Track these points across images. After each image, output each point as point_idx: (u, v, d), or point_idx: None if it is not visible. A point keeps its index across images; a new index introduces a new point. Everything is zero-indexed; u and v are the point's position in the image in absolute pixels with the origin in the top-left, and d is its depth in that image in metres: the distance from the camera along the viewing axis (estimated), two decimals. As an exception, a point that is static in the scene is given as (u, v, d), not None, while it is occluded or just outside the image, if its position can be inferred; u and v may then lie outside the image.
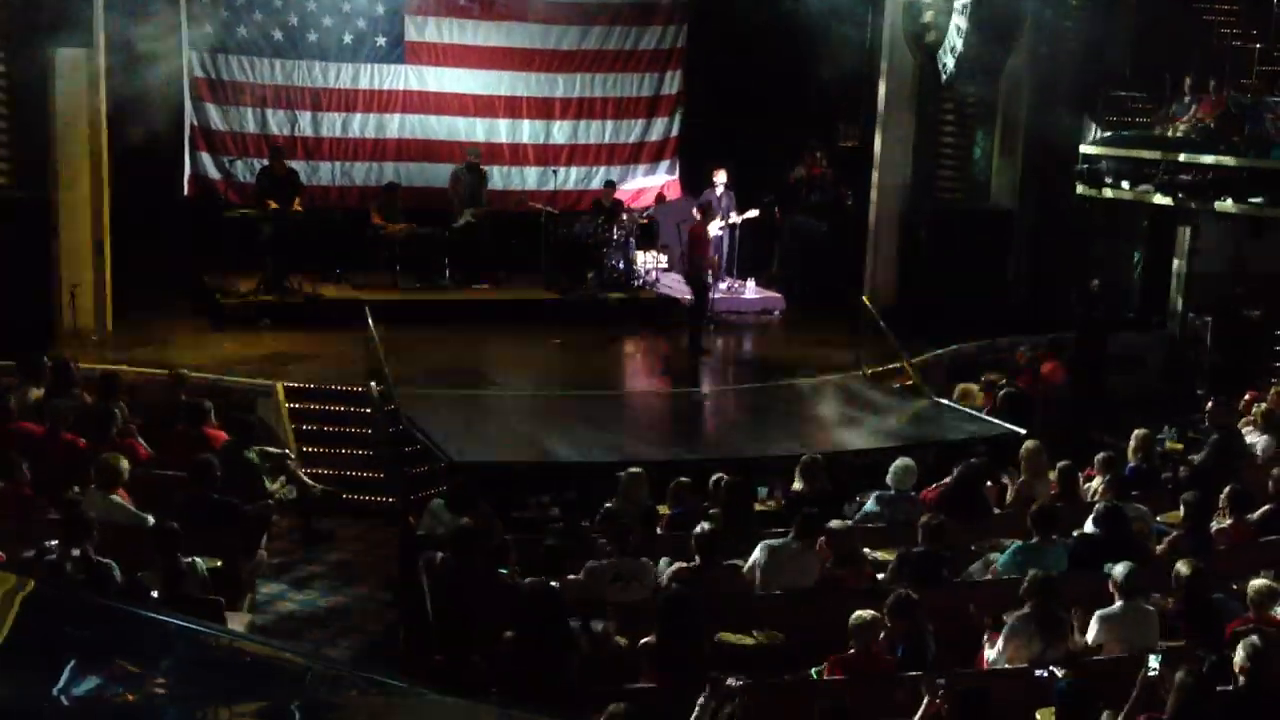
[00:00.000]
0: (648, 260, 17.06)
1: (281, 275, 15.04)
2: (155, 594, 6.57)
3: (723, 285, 16.77)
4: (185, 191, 16.10)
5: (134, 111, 13.93)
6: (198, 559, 7.44)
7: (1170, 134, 15.97)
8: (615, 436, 11.33)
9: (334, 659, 8.22)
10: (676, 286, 16.99)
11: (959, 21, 15.62)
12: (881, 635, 6.67)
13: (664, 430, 11.63)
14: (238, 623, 7.63)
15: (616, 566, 7.50)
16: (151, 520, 7.90)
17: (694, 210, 16.93)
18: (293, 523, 10.46)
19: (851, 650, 6.52)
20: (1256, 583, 7.19)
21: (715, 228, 16.71)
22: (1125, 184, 16.06)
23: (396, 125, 17.17)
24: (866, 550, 8.22)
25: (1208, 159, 15.05)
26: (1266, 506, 8.95)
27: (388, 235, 15.77)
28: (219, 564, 7.86)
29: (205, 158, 16.21)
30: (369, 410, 11.73)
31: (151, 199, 15.21)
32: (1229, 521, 8.78)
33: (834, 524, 8.02)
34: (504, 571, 7.42)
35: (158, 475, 9.35)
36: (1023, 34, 16.21)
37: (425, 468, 10.95)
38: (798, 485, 9.35)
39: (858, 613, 6.58)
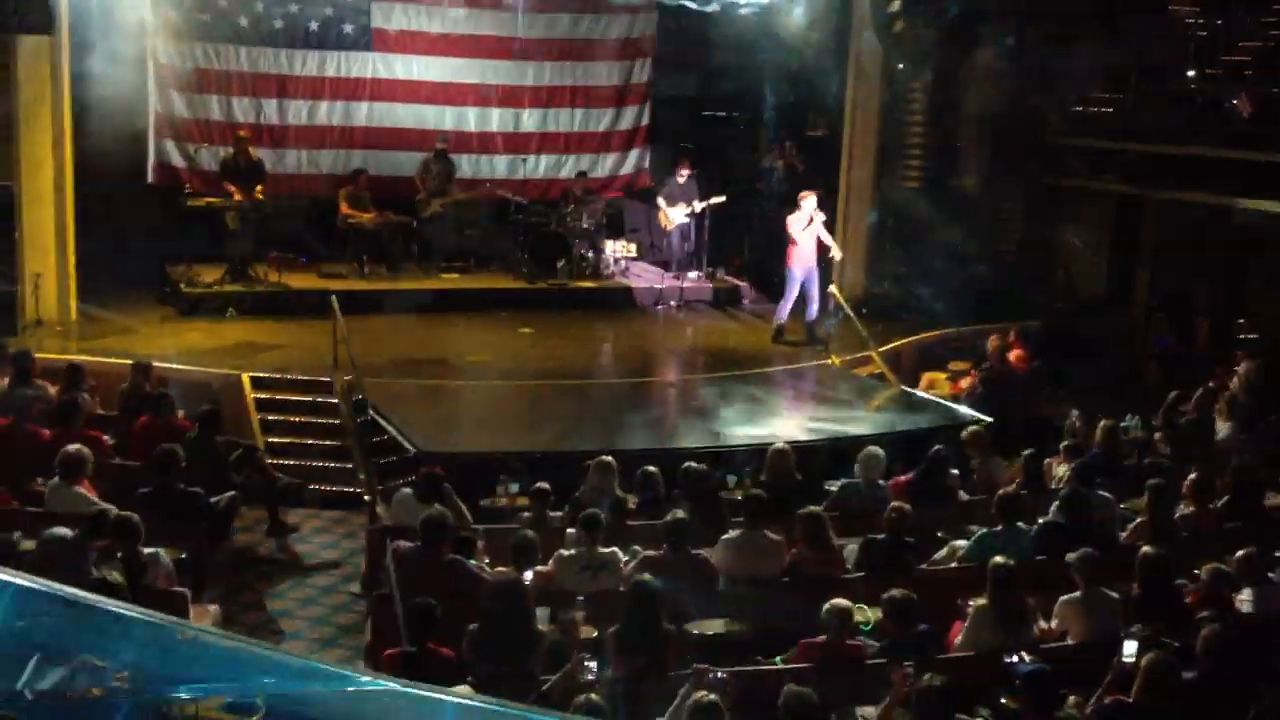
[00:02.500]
0: (617, 249, 17.05)
1: (247, 264, 14.96)
2: (120, 586, 6.51)
3: (691, 274, 16.80)
4: (150, 180, 15.96)
5: (98, 99, 13.79)
6: (161, 551, 7.39)
7: (1135, 123, 16.10)
8: (584, 425, 11.33)
9: (301, 651, 8.24)
10: (645, 275, 17.02)
11: (925, 11, 15.68)
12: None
13: (633, 419, 11.62)
14: (203, 615, 7.58)
15: (585, 556, 7.50)
16: (115, 512, 7.84)
17: (657, 199, 17.01)
18: (259, 513, 10.41)
19: (823, 637, 6.54)
20: (1211, 565, 7.29)
21: (679, 215, 16.74)
22: (1091, 173, 16.19)
23: (364, 113, 17.07)
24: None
25: (1174, 148, 15.18)
26: (1228, 494, 9.04)
27: (355, 224, 15.69)
28: (184, 555, 7.82)
29: (170, 146, 16.06)
30: (336, 400, 11.68)
31: (116, 188, 15.08)
32: (1192, 508, 8.87)
33: (804, 511, 8.02)
34: (472, 562, 7.41)
35: (122, 466, 9.30)
36: (988, 23, 16.28)
37: (393, 458, 10.93)
38: (765, 474, 9.40)
39: (834, 600, 6.59)
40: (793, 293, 14.75)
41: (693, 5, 16.32)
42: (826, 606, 6.56)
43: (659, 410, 12.17)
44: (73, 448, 8.33)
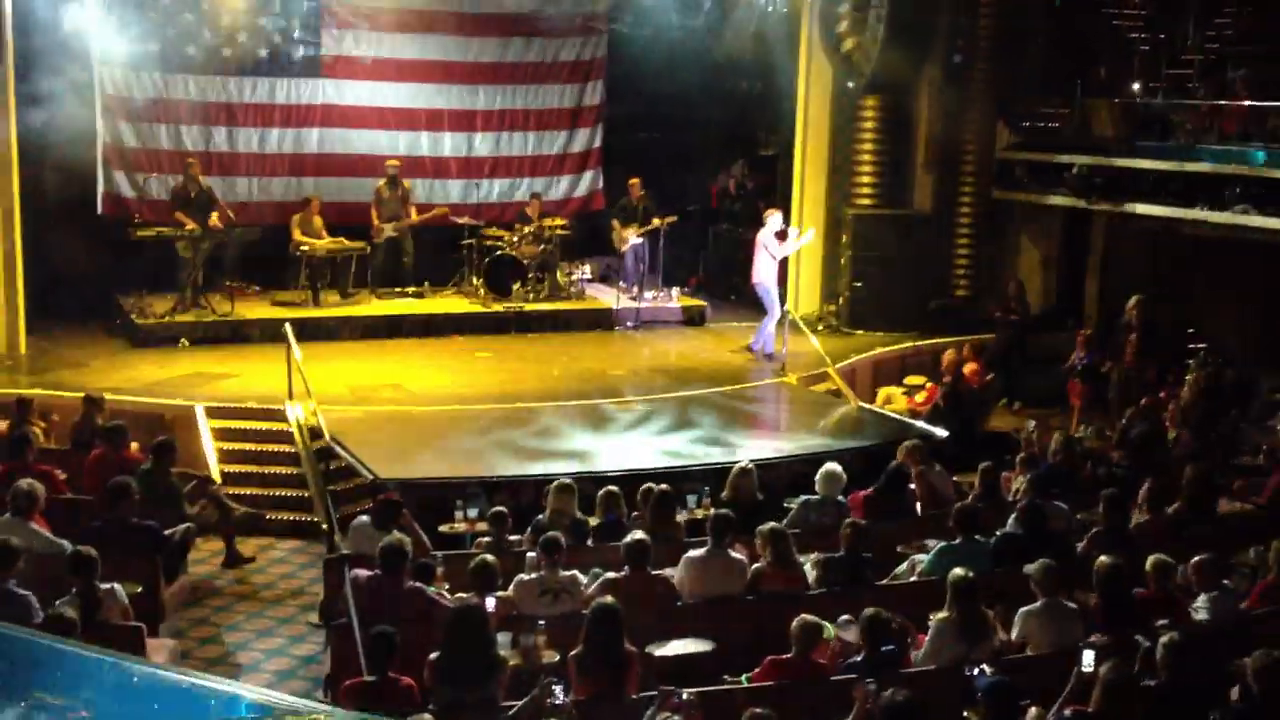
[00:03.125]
0: (573, 270, 17.06)
1: (199, 294, 14.84)
2: (74, 622, 6.42)
3: (648, 294, 16.82)
4: (99, 210, 15.83)
5: (45, 130, 13.67)
6: (117, 585, 7.30)
7: (1083, 137, 16.30)
8: (543, 448, 11.30)
9: (260, 683, 8.15)
10: (601, 296, 17.03)
11: (873, 30, 15.83)
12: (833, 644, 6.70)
13: (592, 440, 11.61)
14: (160, 649, 7.50)
15: (545, 580, 7.47)
16: (69, 547, 7.74)
17: (611, 220, 17.07)
18: (215, 545, 10.31)
19: (790, 654, 6.53)
20: (1155, 558, 7.37)
21: (633, 236, 16.79)
22: (1040, 187, 16.38)
23: (315, 139, 17.02)
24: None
25: (1122, 161, 15.38)
26: (1181, 501, 9.14)
27: (308, 251, 15.61)
28: (140, 589, 7.72)
29: (119, 176, 15.95)
30: (292, 429, 11.60)
31: (65, 218, 14.94)
32: (1147, 517, 8.96)
33: (769, 526, 8.02)
34: (432, 589, 7.36)
35: (75, 501, 9.18)
36: (936, 41, 16.47)
37: (350, 485, 10.86)
38: (727, 493, 9.40)
39: (801, 617, 6.58)
40: (775, 310, 14.83)
41: (643, 27, 16.44)
42: (795, 623, 6.55)
43: (618, 431, 12.15)
44: (24, 483, 8.22)
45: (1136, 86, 16.49)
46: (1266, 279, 15.56)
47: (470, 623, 6.19)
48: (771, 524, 8.03)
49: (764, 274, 14.84)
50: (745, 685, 6.56)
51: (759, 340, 15.05)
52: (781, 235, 15.07)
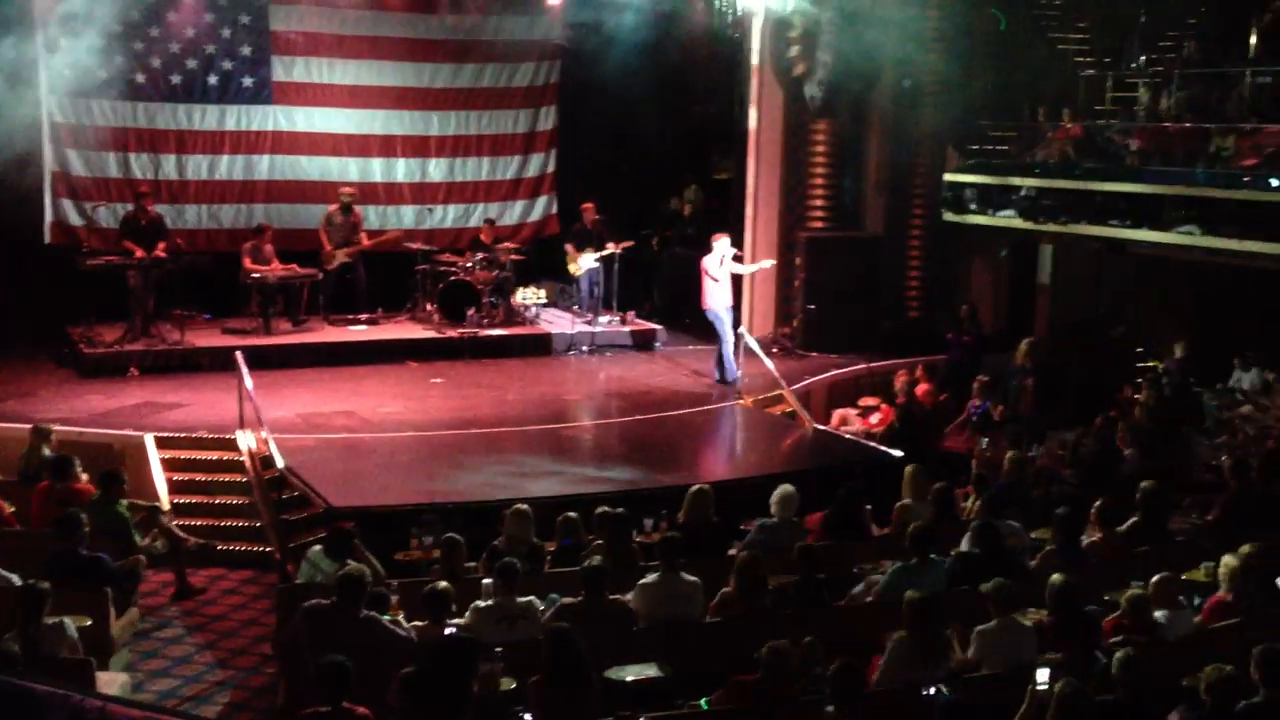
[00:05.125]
0: (527, 296, 17.04)
1: (149, 323, 14.69)
2: (16, 657, 6.30)
3: (603, 319, 16.83)
4: (47, 239, 15.67)
5: (-9, 158, 13.52)
6: (66, 619, 7.19)
7: (1030, 160, 16.51)
8: (499, 474, 11.25)
9: (213, 716, 8.04)
10: (556, 321, 17.02)
11: (823, 55, 15.97)
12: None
13: (548, 466, 11.57)
14: (110, 683, 7.37)
15: (502, 606, 7.43)
16: (17, 580, 7.61)
17: (565, 245, 17.08)
18: (165, 577, 10.17)
19: (758, 676, 6.48)
20: (1131, 593, 7.41)
21: (588, 261, 16.81)
22: (989, 209, 16.56)
23: (266, 166, 16.93)
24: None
25: (1068, 183, 15.57)
26: (1133, 519, 9.22)
27: (259, 279, 15.49)
28: (89, 622, 7.61)
29: (67, 204, 15.79)
30: (244, 458, 11.48)
31: (12, 248, 14.76)
32: (1099, 535, 9.03)
33: (744, 555, 7.99)
34: (386, 617, 7.30)
35: (23, 533, 9.04)
36: (885, 66, 16.64)
37: (303, 514, 10.76)
38: (682, 516, 9.39)
39: (771, 644, 6.53)
40: (728, 335, 14.85)
41: (597, 53, 16.49)
42: (766, 648, 6.48)
43: (575, 456, 12.13)
44: (-31, 516, 8.09)
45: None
46: (1213, 298, 15.81)
47: (460, 654, 6.06)
48: (745, 553, 7.96)
49: (713, 300, 14.84)
50: (704, 709, 6.53)
51: (726, 370, 14.93)
52: (738, 259, 15.11)
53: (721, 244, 14.91)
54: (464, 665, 5.98)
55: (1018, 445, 12.00)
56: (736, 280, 15.47)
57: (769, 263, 15.87)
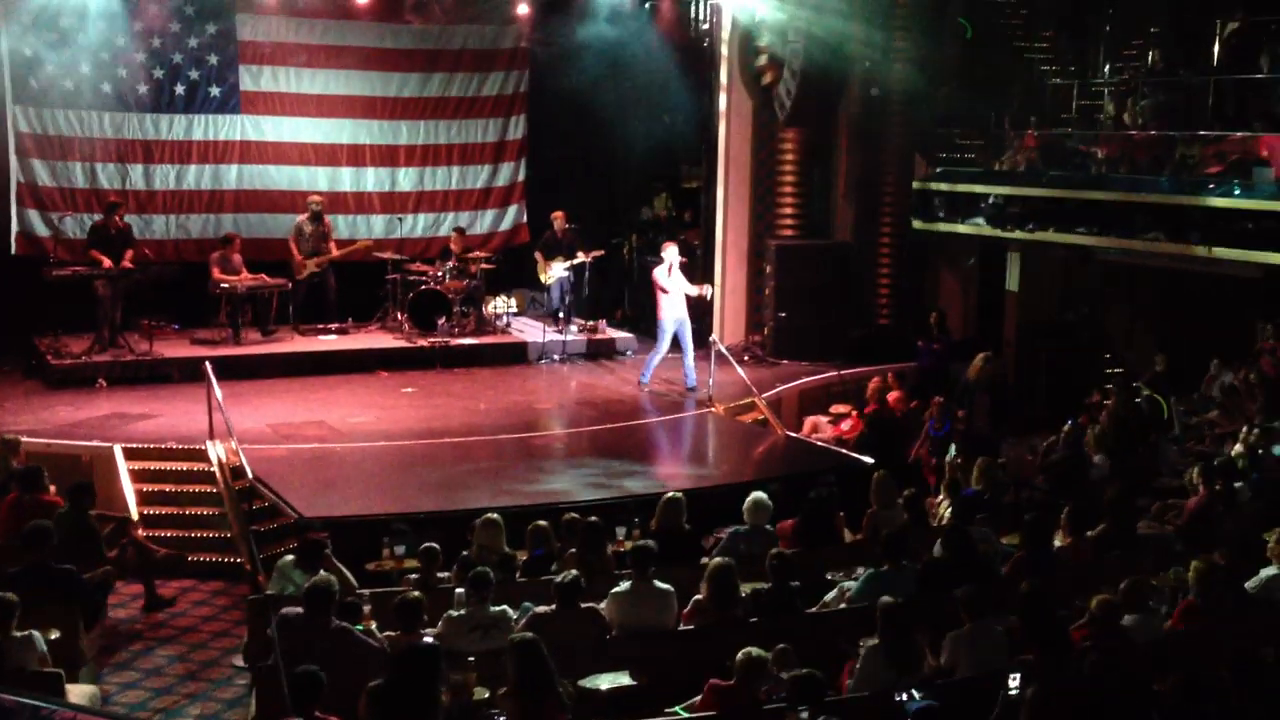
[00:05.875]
0: (498, 304, 17.01)
1: (116, 333, 14.59)
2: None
3: (574, 328, 16.83)
4: (13, 250, 15.57)
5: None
6: (35, 632, 7.13)
7: (997, 168, 16.64)
8: (470, 483, 11.23)
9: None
10: (528, 330, 17.01)
11: (792, 64, 16.04)
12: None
13: (520, 475, 11.56)
14: (80, 695, 7.31)
15: (475, 616, 7.41)
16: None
17: (535, 254, 17.08)
18: (136, 588, 10.10)
19: (733, 682, 6.48)
20: (1100, 598, 7.44)
21: (559, 269, 16.81)
22: (957, 217, 16.67)
23: (234, 176, 16.87)
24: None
25: (1035, 191, 15.70)
26: (1103, 524, 9.29)
27: (228, 288, 15.41)
28: (58, 635, 7.54)
29: (33, 215, 15.70)
30: (213, 469, 11.42)
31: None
32: (1068, 540, 9.10)
33: (716, 561, 7.99)
34: (359, 628, 7.27)
35: (-10, 546, 8.96)
36: (854, 74, 16.74)
37: (274, 524, 10.70)
38: (656, 524, 9.40)
39: (746, 649, 6.52)
40: (663, 345, 14.85)
41: (566, 62, 16.52)
42: (740, 655, 6.48)
43: (546, 464, 12.11)
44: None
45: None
46: (1179, 304, 15.96)
47: (424, 663, 6.06)
48: (719, 560, 7.96)
49: (663, 311, 14.75)
50: (681, 716, 6.53)
51: (647, 367, 14.96)
52: (684, 267, 15.05)
53: (670, 253, 14.82)
54: (428, 674, 5.96)
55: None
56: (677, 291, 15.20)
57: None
